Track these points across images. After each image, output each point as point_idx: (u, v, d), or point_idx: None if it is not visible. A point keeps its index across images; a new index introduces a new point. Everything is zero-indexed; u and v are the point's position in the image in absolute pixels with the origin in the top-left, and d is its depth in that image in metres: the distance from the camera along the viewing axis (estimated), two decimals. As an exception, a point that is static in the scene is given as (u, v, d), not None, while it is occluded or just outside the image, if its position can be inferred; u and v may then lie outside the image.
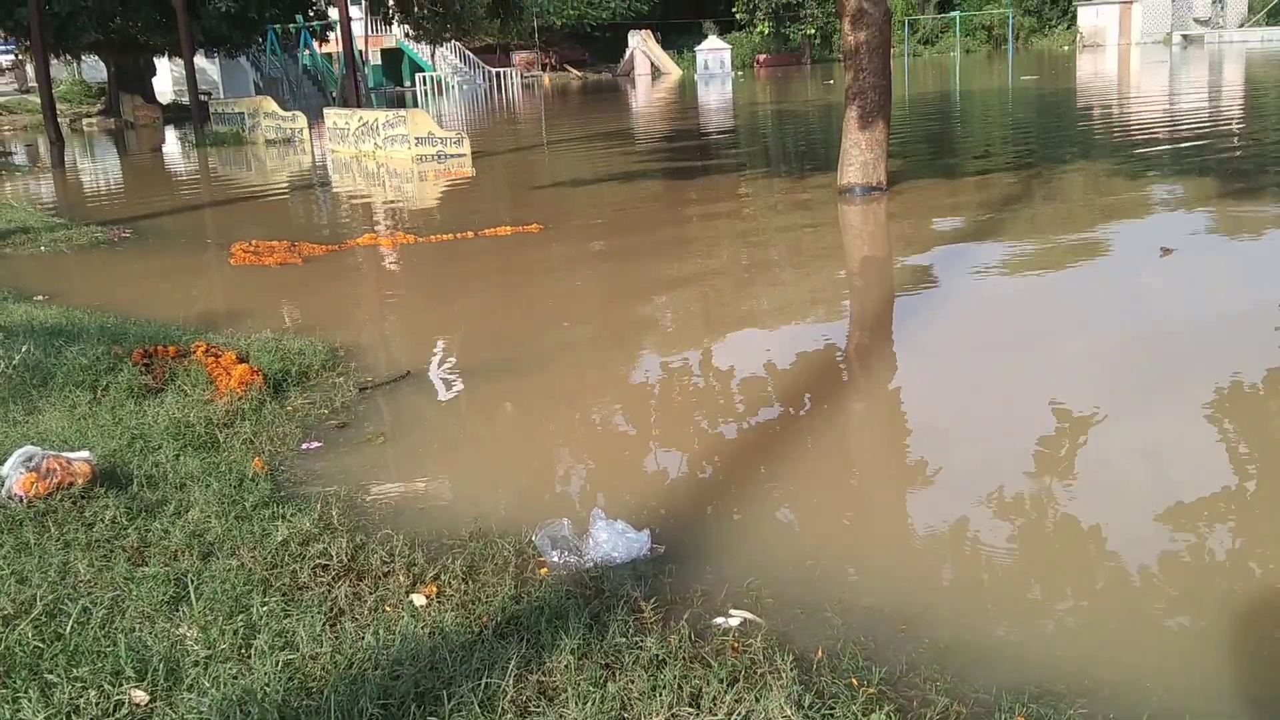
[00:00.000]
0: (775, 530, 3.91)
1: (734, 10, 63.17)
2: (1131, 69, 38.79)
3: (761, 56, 61.27)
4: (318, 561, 3.45)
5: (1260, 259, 8.12)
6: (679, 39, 64.05)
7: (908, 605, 3.26)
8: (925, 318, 7.01)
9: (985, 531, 3.78)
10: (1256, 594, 3.32)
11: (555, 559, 3.49)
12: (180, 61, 30.98)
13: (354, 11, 29.91)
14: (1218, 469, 4.24)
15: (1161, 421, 4.83)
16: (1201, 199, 10.73)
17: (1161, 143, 15.73)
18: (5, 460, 3.93)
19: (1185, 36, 57.49)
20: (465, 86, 52.57)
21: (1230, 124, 17.94)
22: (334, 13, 33.11)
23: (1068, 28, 64.09)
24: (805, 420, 5.13)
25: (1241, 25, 58.50)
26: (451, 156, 18.20)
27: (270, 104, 25.73)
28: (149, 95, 37.63)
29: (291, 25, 40.51)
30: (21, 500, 3.77)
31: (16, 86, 45.67)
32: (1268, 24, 56.43)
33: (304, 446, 4.76)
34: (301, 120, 24.38)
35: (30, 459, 3.87)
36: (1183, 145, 15.22)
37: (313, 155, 21.75)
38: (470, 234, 10.43)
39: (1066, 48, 60.37)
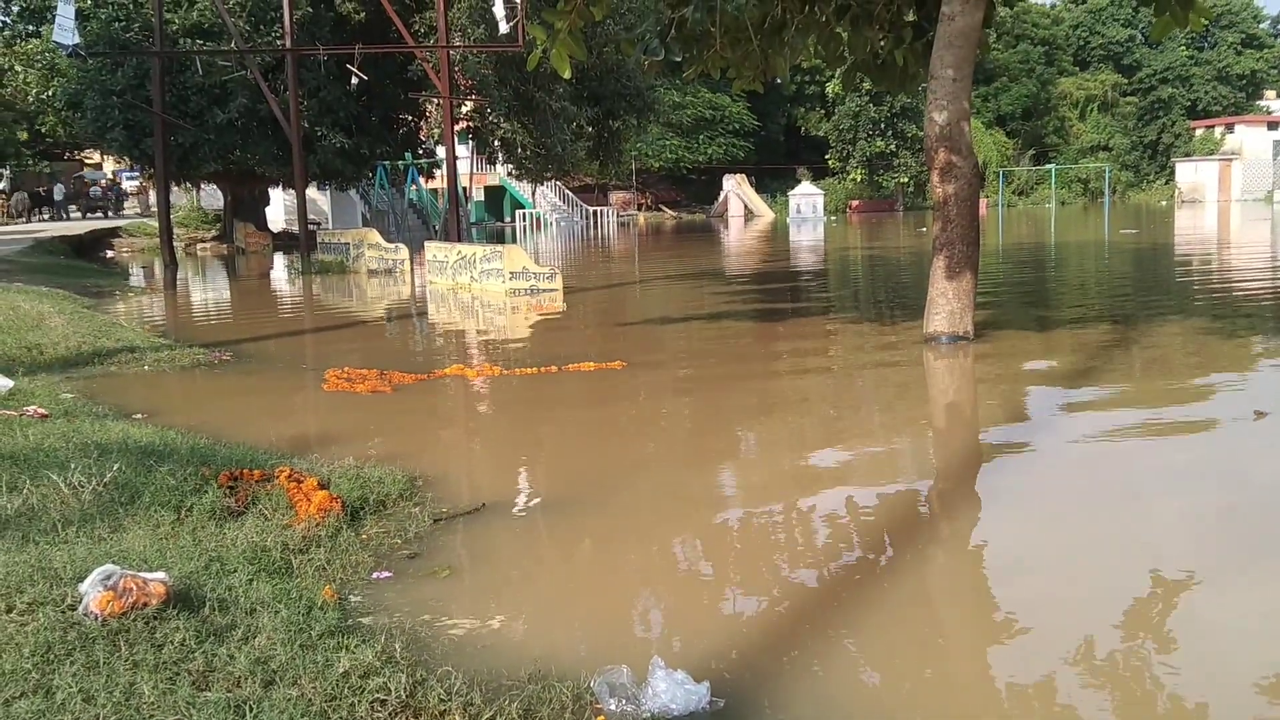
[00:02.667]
0: (841, 691, 3.78)
1: (827, 158, 64.42)
2: (1231, 225, 38.33)
3: (855, 202, 62.08)
4: (376, 696, 3.44)
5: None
6: (772, 183, 65.36)
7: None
8: (1011, 474, 6.86)
9: (1071, 703, 3.61)
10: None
11: (612, 707, 3.43)
12: (293, 192, 32.53)
13: (460, 151, 31.18)
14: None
15: (1258, 592, 4.62)
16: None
17: (1262, 300, 15.42)
18: (85, 578, 4.03)
19: (1288, 194, 56.82)
20: (563, 223, 54.06)
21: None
22: (441, 151, 34.55)
23: (1166, 183, 63.89)
24: (882, 576, 5.01)
25: (1347, 184, 57.74)
26: (544, 291, 18.62)
27: (375, 235, 26.74)
28: (261, 223, 39.50)
29: (400, 162, 42.38)
30: (96, 618, 3.85)
31: (139, 210, 48.39)
32: (1374, 184, 55.58)
33: (374, 576, 4.80)
34: (404, 252, 25.23)
35: (108, 577, 3.95)
36: (1284, 304, 14.90)
37: (412, 286, 22.47)
38: (554, 368, 10.59)
39: (1164, 203, 60.04)
